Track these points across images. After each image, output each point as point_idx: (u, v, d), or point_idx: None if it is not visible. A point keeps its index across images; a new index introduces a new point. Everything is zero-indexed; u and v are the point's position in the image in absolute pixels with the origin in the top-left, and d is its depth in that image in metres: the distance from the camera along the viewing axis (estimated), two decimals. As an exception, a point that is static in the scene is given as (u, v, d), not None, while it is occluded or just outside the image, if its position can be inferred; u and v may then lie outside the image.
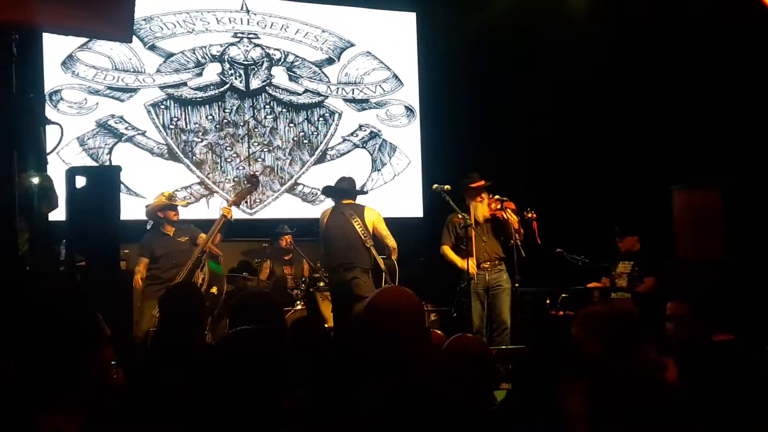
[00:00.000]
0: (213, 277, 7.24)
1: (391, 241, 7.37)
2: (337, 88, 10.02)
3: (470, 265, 7.43)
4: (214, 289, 7.24)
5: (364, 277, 7.21)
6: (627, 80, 9.26)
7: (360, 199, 7.62)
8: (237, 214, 8.05)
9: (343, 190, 7.55)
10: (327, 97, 9.97)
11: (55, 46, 8.56)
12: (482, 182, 7.79)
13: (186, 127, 9.24)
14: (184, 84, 9.28)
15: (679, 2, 8.48)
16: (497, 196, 7.75)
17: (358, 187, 9.62)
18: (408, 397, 2.21)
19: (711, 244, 8.00)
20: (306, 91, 9.85)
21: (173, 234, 7.67)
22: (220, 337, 2.94)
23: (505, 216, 7.63)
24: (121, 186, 6.04)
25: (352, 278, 7.16)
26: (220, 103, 9.41)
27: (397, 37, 10.41)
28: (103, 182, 5.07)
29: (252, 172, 8.81)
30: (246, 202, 9.28)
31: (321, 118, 9.91)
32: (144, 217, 7.97)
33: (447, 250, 7.79)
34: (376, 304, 2.61)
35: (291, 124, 9.74)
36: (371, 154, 10.12)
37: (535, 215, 7.64)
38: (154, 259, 7.54)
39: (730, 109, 8.47)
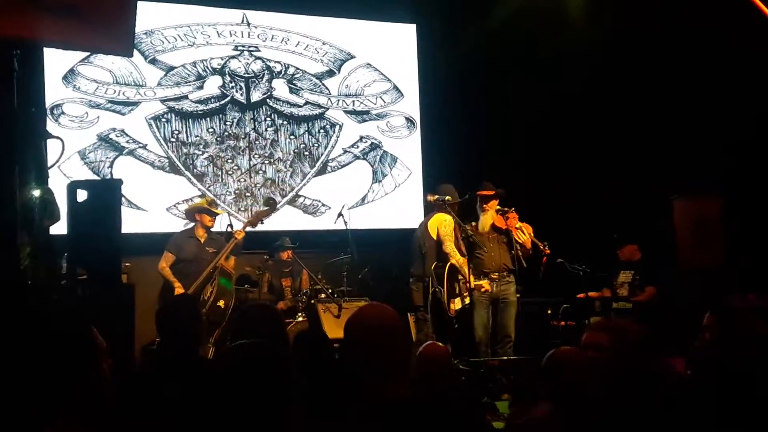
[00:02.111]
0: (221, 292, 7.35)
1: (445, 246, 7.45)
2: (338, 100, 10.05)
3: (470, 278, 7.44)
4: (221, 303, 7.33)
5: (417, 285, 7.54)
6: (627, 90, 9.28)
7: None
8: (237, 226, 8.08)
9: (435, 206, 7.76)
10: (328, 108, 9.99)
11: (56, 61, 8.58)
12: (491, 191, 7.78)
13: (187, 140, 9.26)
14: (185, 97, 9.30)
15: (678, 13, 8.49)
16: (509, 211, 7.74)
17: (359, 197, 9.70)
18: (385, 413, 2.22)
19: (711, 253, 8.00)
20: (307, 103, 9.88)
21: (204, 241, 7.74)
22: (221, 351, 2.94)
23: (519, 238, 7.63)
24: (123, 199, 6.05)
25: (410, 288, 7.61)
26: (221, 115, 9.43)
27: (397, 49, 10.44)
28: (105, 196, 5.09)
29: (270, 195, 8.91)
30: (247, 213, 9.30)
31: (322, 130, 9.93)
32: (147, 230, 8.02)
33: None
34: (352, 322, 2.63)
35: (292, 136, 9.76)
36: (372, 166, 10.14)
37: (548, 251, 7.64)
38: (179, 259, 7.60)
39: (731, 119, 8.48)
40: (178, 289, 7.43)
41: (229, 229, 7.56)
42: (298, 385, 2.25)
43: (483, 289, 7.43)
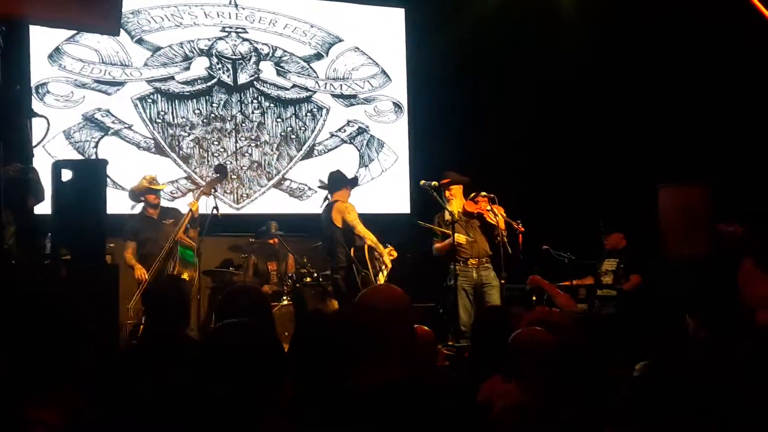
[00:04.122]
0: (184, 264, 7.29)
1: (358, 230, 7.41)
2: (325, 84, 10.01)
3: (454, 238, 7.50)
4: (185, 275, 7.26)
5: (340, 273, 7.51)
6: (615, 78, 9.29)
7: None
8: (223, 208, 8.04)
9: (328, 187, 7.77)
10: (315, 92, 9.95)
11: (42, 39, 8.51)
12: (447, 180, 7.77)
13: (173, 121, 9.21)
14: (172, 78, 9.24)
15: (662, 2, 8.51)
16: (486, 196, 7.73)
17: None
18: (393, 393, 2.22)
19: (697, 240, 8.05)
20: (294, 86, 9.83)
21: (158, 217, 7.67)
22: (210, 331, 2.93)
23: (491, 220, 7.61)
24: (108, 180, 6.01)
25: (333, 278, 7.65)
26: (207, 97, 9.38)
27: (385, 33, 10.40)
28: (89, 176, 5.06)
29: (220, 162, 8.88)
30: (232, 196, 9.27)
31: (309, 114, 9.90)
32: (131, 211, 7.98)
33: (436, 245, 7.83)
34: (363, 301, 2.63)
35: (279, 119, 9.72)
36: (359, 150, 10.12)
37: (523, 229, 7.62)
38: (140, 243, 7.54)
39: (715, 107, 8.52)
40: (138, 270, 7.35)
41: (215, 212, 7.51)
42: (289, 365, 2.24)
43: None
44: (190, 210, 7.39)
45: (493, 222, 7.60)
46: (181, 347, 3.31)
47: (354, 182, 7.91)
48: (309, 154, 9.84)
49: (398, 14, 10.51)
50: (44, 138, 5.50)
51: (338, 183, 7.70)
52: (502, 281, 7.68)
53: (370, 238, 7.43)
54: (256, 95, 9.63)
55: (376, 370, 2.37)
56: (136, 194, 7.71)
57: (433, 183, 7.60)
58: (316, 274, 8.30)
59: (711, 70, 8.50)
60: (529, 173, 9.70)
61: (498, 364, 3.42)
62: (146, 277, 7.27)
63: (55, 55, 8.67)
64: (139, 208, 7.79)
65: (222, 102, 9.44)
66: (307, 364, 2.51)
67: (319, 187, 7.96)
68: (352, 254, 7.46)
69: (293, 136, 9.78)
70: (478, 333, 4.26)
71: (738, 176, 8.14)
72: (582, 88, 9.43)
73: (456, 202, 7.77)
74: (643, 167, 8.91)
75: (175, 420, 2.28)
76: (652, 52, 9.02)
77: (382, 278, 7.47)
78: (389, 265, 7.47)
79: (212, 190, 7.65)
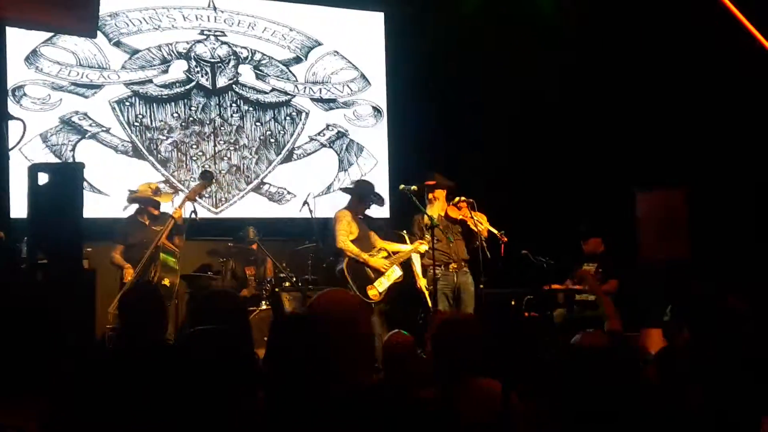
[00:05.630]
0: (165, 270, 7.24)
1: (337, 242, 7.49)
2: (305, 87, 9.99)
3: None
4: (166, 281, 7.22)
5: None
6: (592, 83, 9.33)
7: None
8: (202, 212, 8.00)
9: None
10: (294, 96, 9.93)
11: (18, 42, 8.44)
12: (433, 182, 7.75)
13: (151, 124, 9.16)
14: (150, 81, 9.19)
15: (642, 5, 8.56)
16: (466, 201, 7.72)
17: (324, 186, 9.73)
18: (351, 399, 2.22)
19: (675, 244, 8.11)
20: (273, 89, 9.81)
21: (149, 224, 7.63)
22: (182, 337, 2.91)
23: (474, 228, 7.58)
24: (84, 183, 5.97)
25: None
26: (186, 100, 9.34)
27: (365, 37, 10.40)
28: (66, 179, 5.01)
29: (206, 168, 8.83)
30: (211, 200, 9.23)
31: (288, 117, 9.87)
32: (108, 215, 7.93)
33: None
34: (314, 310, 2.64)
35: (257, 123, 9.69)
36: (338, 154, 10.10)
37: (506, 239, 7.59)
38: (128, 246, 7.50)
39: (693, 111, 8.57)
40: (128, 271, 7.32)
41: (193, 216, 7.47)
42: (263, 372, 2.23)
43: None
44: (172, 217, 7.36)
45: (476, 230, 7.55)
46: (156, 353, 3.28)
47: (376, 201, 7.95)
48: (288, 158, 9.81)
49: (377, 18, 10.51)
50: (20, 141, 5.45)
51: (358, 196, 7.80)
52: (481, 286, 7.68)
53: (350, 250, 7.43)
54: (234, 99, 9.59)
55: (344, 375, 2.37)
56: (138, 200, 7.66)
57: (413, 187, 7.53)
58: (295, 279, 8.27)
59: (688, 75, 8.55)
60: (507, 177, 9.71)
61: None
62: (132, 273, 7.26)
63: (32, 57, 8.60)
64: (131, 209, 7.74)
65: (200, 105, 9.40)
66: (282, 369, 2.49)
67: (342, 189, 7.95)
68: (336, 270, 7.48)
69: (272, 140, 9.75)
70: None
71: (715, 180, 8.21)
72: (560, 93, 9.47)
73: (438, 205, 7.74)
74: (622, 172, 8.95)
75: (150, 426, 2.27)
76: (630, 56, 9.06)
77: (374, 289, 7.43)
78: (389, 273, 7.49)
79: (197, 197, 7.62)
